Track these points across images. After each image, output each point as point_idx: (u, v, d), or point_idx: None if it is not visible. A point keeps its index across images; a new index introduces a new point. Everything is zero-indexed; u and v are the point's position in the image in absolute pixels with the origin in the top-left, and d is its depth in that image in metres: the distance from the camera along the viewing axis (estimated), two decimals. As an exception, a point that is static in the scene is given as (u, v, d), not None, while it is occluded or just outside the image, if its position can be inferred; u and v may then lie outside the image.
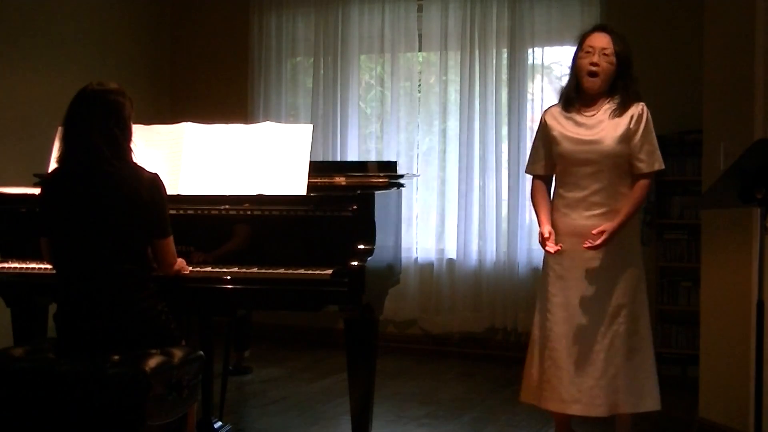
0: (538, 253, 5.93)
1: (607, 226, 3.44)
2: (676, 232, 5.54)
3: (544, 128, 3.66)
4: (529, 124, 6.00)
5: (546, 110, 3.74)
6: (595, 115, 3.56)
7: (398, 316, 6.18)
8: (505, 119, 6.04)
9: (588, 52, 3.53)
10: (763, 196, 3.15)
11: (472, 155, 6.08)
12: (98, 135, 3.01)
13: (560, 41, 5.97)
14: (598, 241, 3.43)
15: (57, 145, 3.60)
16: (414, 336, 6.28)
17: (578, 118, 3.58)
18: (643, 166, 3.51)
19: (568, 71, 3.74)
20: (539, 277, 3.79)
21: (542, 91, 6.04)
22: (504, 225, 6.01)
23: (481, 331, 6.08)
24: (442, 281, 6.16)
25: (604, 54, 3.50)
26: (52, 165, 3.52)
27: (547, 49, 6.03)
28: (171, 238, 3.14)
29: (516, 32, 6.00)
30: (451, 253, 6.15)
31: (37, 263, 3.44)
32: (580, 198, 3.54)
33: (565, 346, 3.54)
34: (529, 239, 5.95)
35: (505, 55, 6.07)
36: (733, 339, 4.12)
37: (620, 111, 3.52)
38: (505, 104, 6.03)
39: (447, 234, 6.20)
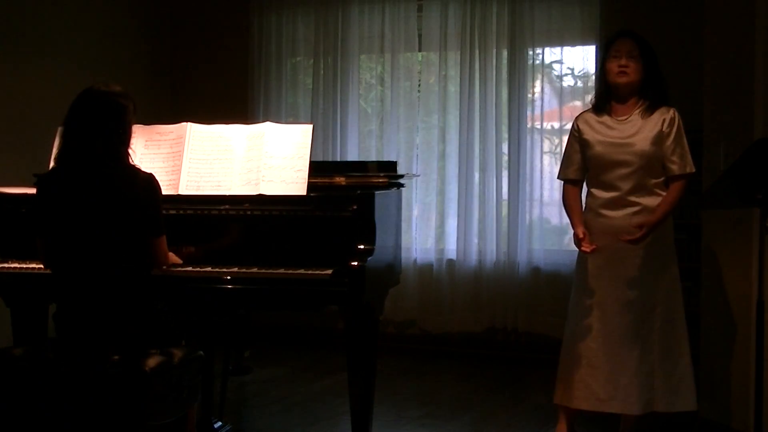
0: (538, 253, 5.95)
1: (646, 221, 3.51)
2: (676, 232, 5.52)
3: (577, 133, 3.76)
4: (529, 124, 6.00)
5: (578, 116, 3.84)
6: (627, 118, 3.66)
7: (398, 316, 6.17)
8: (505, 119, 6.04)
9: (615, 56, 3.65)
10: (763, 197, 3.15)
11: (472, 155, 6.08)
12: (97, 136, 3.02)
13: (560, 41, 5.97)
14: (638, 235, 3.50)
15: (56, 144, 3.61)
16: (414, 336, 6.27)
17: (610, 122, 3.69)
18: (675, 168, 3.60)
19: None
20: (573, 278, 3.82)
21: (542, 91, 6.04)
22: (504, 225, 6.01)
23: (481, 331, 6.08)
24: (442, 281, 6.16)
25: (631, 56, 3.62)
26: (52, 165, 3.52)
27: (547, 49, 6.03)
28: (164, 238, 3.14)
29: (516, 32, 5.99)
30: (451, 253, 6.15)
31: (37, 263, 3.43)
32: (614, 198, 3.63)
33: (601, 344, 3.60)
34: (529, 239, 5.95)
35: (505, 55, 6.07)
36: (733, 339, 4.12)
37: (650, 111, 3.63)
38: (505, 104, 6.03)
39: (447, 234, 6.19)
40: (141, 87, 6.30)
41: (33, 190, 3.63)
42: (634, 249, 3.58)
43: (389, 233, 3.59)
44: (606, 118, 3.69)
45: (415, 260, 6.23)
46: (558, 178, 3.93)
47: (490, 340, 6.04)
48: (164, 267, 3.21)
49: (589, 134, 3.69)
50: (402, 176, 3.86)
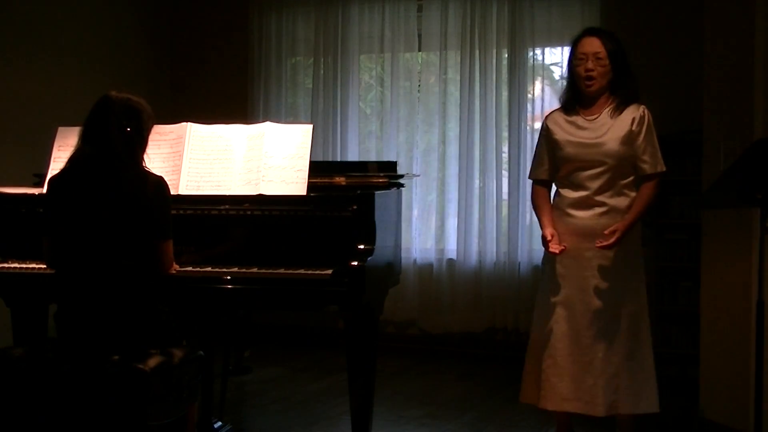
0: (539, 253, 5.95)
1: (620, 225, 3.47)
2: (676, 232, 5.54)
3: (546, 133, 3.68)
4: (529, 124, 6.00)
5: (547, 115, 3.77)
6: (597, 118, 3.59)
7: (398, 316, 6.17)
8: (505, 119, 6.04)
9: (581, 59, 3.56)
10: (763, 197, 3.15)
11: (472, 155, 6.08)
12: (116, 132, 3.05)
13: (560, 41, 5.97)
14: (612, 240, 3.45)
15: (56, 146, 3.62)
16: (414, 336, 6.27)
17: (580, 121, 3.61)
18: (647, 167, 3.55)
19: (565, 76, 3.75)
20: (540, 277, 3.80)
21: (542, 91, 6.04)
22: (504, 225, 6.02)
23: (481, 331, 6.08)
24: (442, 281, 6.16)
25: (598, 58, 3.53)
26: (53, 165, 3.52)
27: (547, 49, 6.04)
28: (170, 242, 3.14)
29: (516, 32, 6.00)
30: (451, 253, 6.16)
31: (37, 263, 3.43)
32: (583, 197, 3.57)
33: (566, 345, 3.55)
34: (529, 239, 5.95)
35: (505, 56, 6.07)
36: (733, 339, 4.12)
37: (621, 110, 3.56)
38: (506, 104, 6.03)
39: (447, 234, 6.20)
40: (141, 87, 6.30)
41: (33, 190, 3.65)
42: (602, 250, 3.54)
43: (389, 233, 3.59)
44: (576, 118, 3.62)
45: (415, 260, 6.23)
46: (529, 178, 3.86)
47: (490, 340, 6.05)
48: (168, 273, 3.21)
49: (559, 135, 3.62)
50: (402, 176, 3.86)
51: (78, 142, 3.13)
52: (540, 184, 3.75)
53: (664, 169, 3.59)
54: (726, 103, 4.24)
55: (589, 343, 3.54)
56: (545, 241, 3.58)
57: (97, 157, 3.06)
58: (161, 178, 3.13)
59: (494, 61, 6.06)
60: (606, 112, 3.58)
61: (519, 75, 6.00)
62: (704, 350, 4.36)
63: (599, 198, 3.54)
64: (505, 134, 6.05)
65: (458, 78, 6.15)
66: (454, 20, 6.16)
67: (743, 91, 4.08)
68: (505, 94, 6.04)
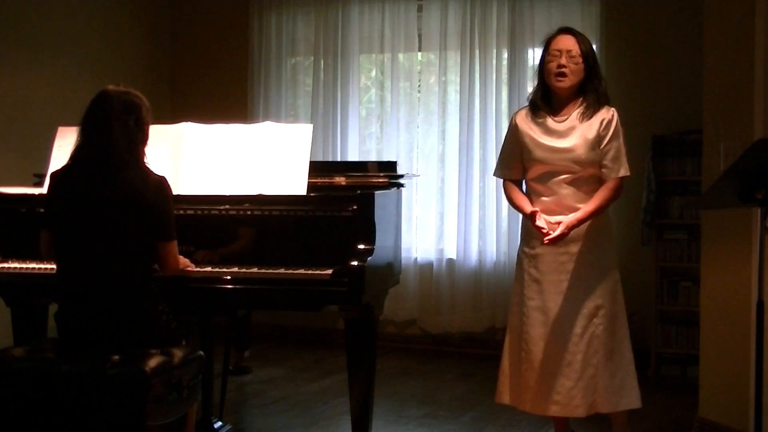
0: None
1: (566, 220, 3.43)
2: (676, 232, 5.55)
3: (515, 132, 3.63)
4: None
5: (516, 113, 3.71)
6: (566, 120, 3.54)
7: (398, 316, 6.18)
8: (505, 119, 6.03)
9: (554, 55, 3.51)
10: (763, 196, 3.14)
11: (472, 155, 6.09)
12: (117, 127, 3.03)
13: (560, 41, 5.97)
14: (557, 233, 3.40)
15: (56, 146, 3.62)
16: (414, 336, 6.28)
17: (549, 123, 3.55)
18: (606, 172, 3.50)
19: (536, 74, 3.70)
20: (513, 281, 3.76)
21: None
22: (504, 225, 6.02)
23: (481, 331, 6.09)
24: (442, 281, 6.16)
25: (571, 56, 3.49)
26: (53, 165, 3.52)
27: (547, 49, 6.04)
28: (174, 242, 3.13)
29: (516, 32, 6.00)
30: (451, 253, 6.16)
31: (37, 263, 3.44)
32: (555, 203, 3.53)
33: (542, 348, 3.52)
34: (529, 239, 5.95)
35: (505, 55, 6.08)
36: (733, 339, 4.12)
37: (591, 113, 3.51)
38: (505, 104, 6.03)
39: (447, 234, 6.20)
40: (141, 87, 6.25)
41: (33, 190, 3.65)
42: (575, 253, 3.50)
43: (389, 233, 3.59)
44: (544, 119, 3.56)
45: (415, 260, 6.23)
46: (496, 175, 3.80)
47: (490, 340, 6.05)
48: (175, 273, 3.20)
49: (528, 137, 3.57)
50: (402, 176, 3.86)
51: (78, 138, 3.11)
52: (509, 181, 3.70)
53: (628, 173, 3.53)
54: (726, 103, 4.24)
55: (568, 346, 3.50)
56: (531, 218, 3.49)
57: (98, 155, 3.05)
58: (163, 178, 3.12)
59: (494, 61, 6.07)
60: (575, 115, 3.53)
61: (519, 75, 6.00)
62: (704, 350, 4.36)
63: (571, 203, 3.51)
64: (505, 134, 6.03)
65: (458, 78, 6.16)
66: (454, 20, 6.16)
67: (743, 91, 4.07)
68: (505, 94, 6.05)
